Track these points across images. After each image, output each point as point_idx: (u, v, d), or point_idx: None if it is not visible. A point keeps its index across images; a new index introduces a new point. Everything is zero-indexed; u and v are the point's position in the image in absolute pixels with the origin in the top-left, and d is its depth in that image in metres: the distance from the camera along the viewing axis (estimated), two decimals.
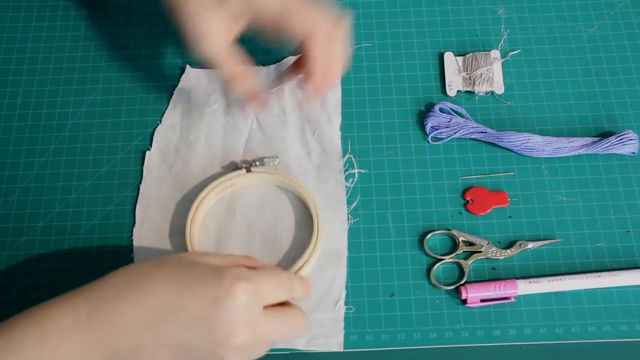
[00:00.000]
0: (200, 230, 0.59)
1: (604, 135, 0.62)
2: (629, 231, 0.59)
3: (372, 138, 0.63)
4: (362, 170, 0.61)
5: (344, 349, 0.54)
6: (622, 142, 0.61)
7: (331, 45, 0.56)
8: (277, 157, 0.60)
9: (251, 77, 0.57)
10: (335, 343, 0.54)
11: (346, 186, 0.61)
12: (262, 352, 0.47)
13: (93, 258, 0.58)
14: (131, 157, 0.63)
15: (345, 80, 0.66)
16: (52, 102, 0.65)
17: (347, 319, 0.56)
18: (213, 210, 0.60)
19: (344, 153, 0.62)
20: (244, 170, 0.59)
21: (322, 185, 0.61)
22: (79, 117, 0.65)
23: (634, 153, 0.61)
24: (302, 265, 0.55)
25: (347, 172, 0.61)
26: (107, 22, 0.69)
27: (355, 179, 0.61)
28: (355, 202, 0.60)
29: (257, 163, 0.60)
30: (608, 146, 0.61)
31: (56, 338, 0.43)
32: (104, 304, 0.44)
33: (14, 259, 0.58)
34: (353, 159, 0.62)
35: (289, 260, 0.57)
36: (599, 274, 0.56)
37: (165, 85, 0.66)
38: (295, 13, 0.55)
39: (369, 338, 0.55)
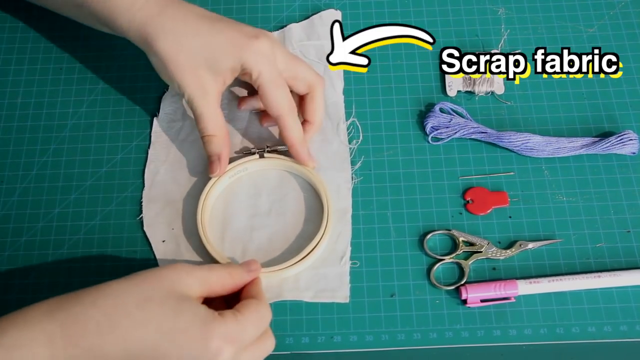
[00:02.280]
0: (212, 209, 0.60)
1: (604, 135, 0.62)
2: (629, 231, 0.59)
3: (372, 138, 0.63)
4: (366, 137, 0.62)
5: (345, 348, 0.55)
6: (622, 142, 0.61)
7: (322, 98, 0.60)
8: (285, 146, 0.60)
9: (227, 141, 0.59)
10: (341, 295, 0.56)
11: (350, 148, 0.62)
12: None
13: (93, 258, 0.58)
14: (131, 157, 0.63)
15: (346, 81, 0.66)
16: (52, 102, 0.65)
17: (347, 319, 0.56)
18: (225, 194, 0.60)
19: (348, 117, 0.64)
20: (257, 156, 0.60)
21: (326, 147, 0.62)
22: (79, 117, 0.65)
23: (634, 153, 0.61)
24: (312, 250, 0.56)
25: (350, 135, 0.63)
26: None
27: (360, 140, 0.63)
28: (360, 162, 0.62)
29: (270, 149, 0.61)
30: (608, 146, 0.61)
31: None
32: (83, 340, 0.42)
33: (14, 260, 0.58)
34: (357, 122, 0.63)
35: (299, 244, 0.58)
36: (599, 274, 0.56)
37: (166, 85, 0.66)
38: (298, 70, 0.58)
39: (369, 338, 0.55)
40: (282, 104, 0.57)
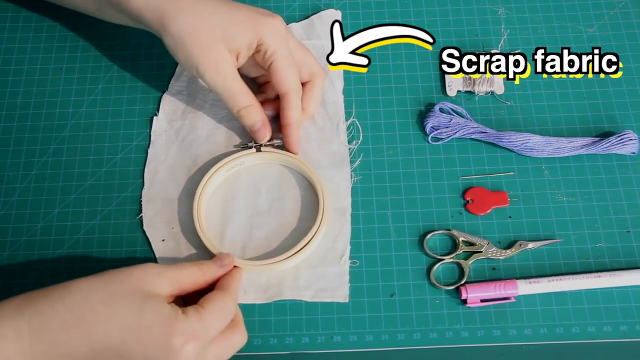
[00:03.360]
0: (210, 204, 0.60)
1: (604, 135, 0.62)
2: (629, 231, 0.59)
3: (372, 138, 0.63)
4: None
5: (345, 348, 0.55)
6: (622, 142, 0.61)
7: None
8: (280, 140, 0.61)
9: (260, 105, 0.60)
10: (341, 295, 0.56)
11: (350, 148, 0.62)
12: None
13: (93, 258, 0.58)
14: (131, 157, 0.63)
15: (346, 81, 0.66)
16: (52, 102, 0.65)
17: (347, 319, 0.56)
18: (223, 186, 0.61)
19: (347, 117, 0.64)
20: (254, 150, 0.61)
21: (326, 147, 0.62)
22: (79, 117, 0.65)
23: (634, 153, 0.61)
24: (307, 244, 0.56)
25: (350, 135, 0.63)
26: (107, 22, 0.69)
27: (360, 140, 0.63)
28: (358, 161, 0.62)
29: (267, 143, 0.61)
30: (608, 146, 0.61)
31: None
32: (49, 335, 0.43)
33: (14, 259, 0.58)
34: (357, 123, 0.63)
35: (295, 236, 0.58)
36: (599, 274, 0.56)
37: (166, 85, 0.66)
38: (305, 57, 0.60)
39: (369, 338, 0.55)
40: (292, 82, 0.58)
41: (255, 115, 0.59)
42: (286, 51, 0.58)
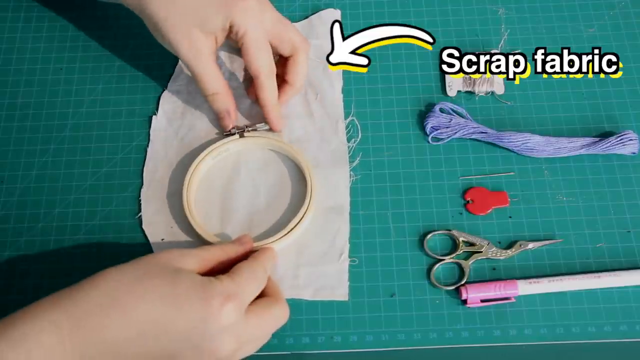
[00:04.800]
0: (207, 191, 0.61)
1: (604, 135, 0.62)
2: (629, 231, 0.59)
3: (372, 138, 0.63)
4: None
5: (345, 349, 0.55)
6: (622, 142, 0.61)
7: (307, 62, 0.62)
8: (266, 124, 0.62)
9: (230, 94, 0.61)
10: (340, 293, 0.56)
11: (349, 146, 0.62)
12: (251, 351, 0.48)
13: (93, 258, 0.58)
14: (131, 157, 0.63)
15: (346, 81, 0.66)
16: (52, 102, 0.65)
17: (347, 319, 0.56)
18: (216, 173, 0.61)
19: (346, 116, 0.64)
20: (237, 136, 0.61)
21: (325, 146, 0.63)
22: (79, 117, 0.65)
23: (634, 153, 0.61)
24: (298, 223, 0.57)
25: (349, 134, 0.63)
26: (107, 22, 0.69)
27: (359, 138, 0.63)
28: (357, 159, 0.62)
29: (250, 129, 0.62)
30: (608, 146, 0.61)
31: (40, 357, 0.42)
32: (87, 321, 0.43)
33: (14, 260, 0.58)
34: (356, 121, 0.63)
35: (288, 217, 0.59)
36: (599, 274, 0.56)
37: (166, 85, 0.66)
38: (284, 32, 0.60)
39: (369, 338, 0.55)
40: (262, 65, 0.59)
41: (221, 103, 0.60)
42: (257, 33, 0.58)
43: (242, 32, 0.57)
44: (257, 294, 0.49)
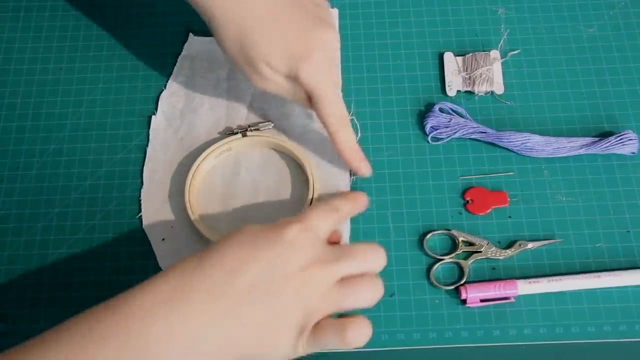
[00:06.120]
0: (208, 190, 0.61)
1: (604, 135, 0.62)
2: (628, 231, 0.59)
3: (372, 138, 0.63)
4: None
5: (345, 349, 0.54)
6: (622, 142, 0.61)
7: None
8: (272, 122, 0.62)
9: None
10: None
11: None
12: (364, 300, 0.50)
13: (93, 258, 0.58)
14: (131, 157, 0.63)
15: (345, 81, 0.66)
16: (52, 102, 0.65)
17: None
18: (217, 172, 0.62)
19: None
20: (240, 135, 0.61)
21: (325, 145, 0.62)
22: (79, 117, 0.65)
23: (634, 153, 0.61)
24: None
25: None
26: (107, 22, 0.69)
27: (358, 137, 0.63)
28: None
29: (252, 128, 0.62)
30: (608, 146, 0.61)
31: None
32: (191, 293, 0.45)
33: (14, 259, 0.58)
34: (356, 120, 0.63)
35: (289, 215, 0.58)
36: (599, 274, 0.56)
37: (165, 85, 0.66)
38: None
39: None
40: (335, 121, 0.56)
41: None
42: (326, 90, 0.54)
43: (310, 89, 0.54)
44: (328, 225, 0.50)
